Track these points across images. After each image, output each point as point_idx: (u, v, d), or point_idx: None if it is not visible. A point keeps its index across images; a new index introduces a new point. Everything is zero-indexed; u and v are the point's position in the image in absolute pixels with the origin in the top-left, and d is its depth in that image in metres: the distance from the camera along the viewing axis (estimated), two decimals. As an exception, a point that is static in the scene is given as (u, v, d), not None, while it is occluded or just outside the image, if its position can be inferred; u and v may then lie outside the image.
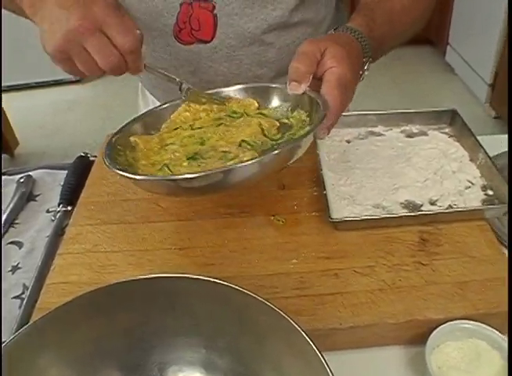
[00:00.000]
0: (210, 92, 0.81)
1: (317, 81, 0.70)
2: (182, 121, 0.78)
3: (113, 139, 0.72)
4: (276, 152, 0.60)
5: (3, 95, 2.84)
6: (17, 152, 2.86)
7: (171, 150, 0.72)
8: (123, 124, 0.76)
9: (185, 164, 0.68)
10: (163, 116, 0.79)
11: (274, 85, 0.79)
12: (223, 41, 0.90)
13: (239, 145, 0.69)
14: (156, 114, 0.80)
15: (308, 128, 0.68)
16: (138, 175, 0.64)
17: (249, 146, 0.69)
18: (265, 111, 0.77)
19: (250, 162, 0.59)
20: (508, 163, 0.86)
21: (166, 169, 0.67)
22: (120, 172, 0.63)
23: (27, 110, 3.16)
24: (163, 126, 0.78)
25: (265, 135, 0.71)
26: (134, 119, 0.78)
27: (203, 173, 0.58)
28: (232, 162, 0.64)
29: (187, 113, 0.78)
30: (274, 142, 0.70)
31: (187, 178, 0.59)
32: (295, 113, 0.75)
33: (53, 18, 0.65)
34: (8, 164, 2.74)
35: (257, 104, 0.78)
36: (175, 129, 0.77)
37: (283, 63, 0.96)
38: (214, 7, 0.87)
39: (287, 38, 0.94)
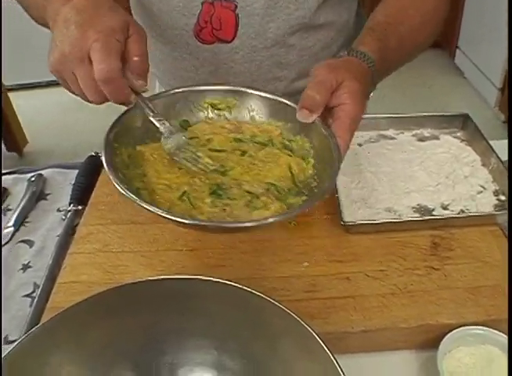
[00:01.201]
0: (216, 88, 0.77)
1: (326, 110, 0.69)
2: (200, 130, 0.75)
3: (110, 136, 0.66)
4: (298, 211, 0.63)
5: (13, 94, 2.85)
6: (26, 150, 2.87)
7: (187, 169, 0.68)
8: (119, 115, 0.69)
9: (207, 200, 0.65)
10: (164, 106, 0.74)
11: (284, 101, 0.75)
12: (244, 42, 0.90)
13: (268, 189, 0.67)
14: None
15: (326, 185, 0.65)
16: (162, 209, 0.58)
17: (276, 193, 0.67)
18: (289, 143, 0.74)
19: (273, 219, 0.60)
20: (508, 163, 0.85)
21: (187, 201, 0.65)
22: (141, 203, 0.58)
23: (37, 109, 3.17)
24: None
25: (294, 183, 0.69)
26: (130, 108, 0.70)
27: (231, 225, 0.62)
28: (257, 212, 0.64)
29: (206, 126, 0.76)
30: (298, 190, 0.68)
31: (215, 227, 0.62)
32: (298, 138, 0.73)
33: (58, 35, 0.63)
34: (17, 163, 2.74)
35: (279, 131, 0.75)
36: (191, 139, 0.73)
37: (303, 65, 0.95)
38: (236, 6, 0.87)
39: (309, 41, 0.93)
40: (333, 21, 0.94)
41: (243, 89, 0.77)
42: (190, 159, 0.68)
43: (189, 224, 0.58)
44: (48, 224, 0.88)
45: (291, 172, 0.69)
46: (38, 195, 0.94)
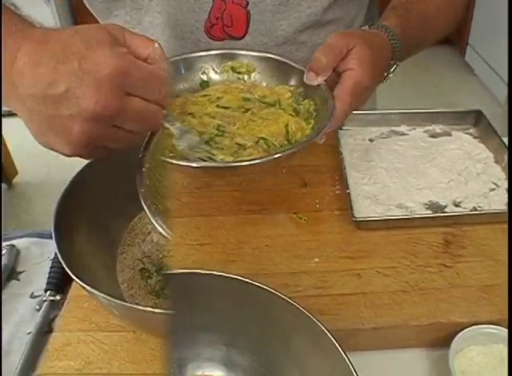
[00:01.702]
0: (217, 52, 0.80)
1: (335, 75, 0.70)
2: (215, 89, 0.78)
3: None
4: (274, 157, 0.62)
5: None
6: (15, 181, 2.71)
7: (188, 123, 0.71)
8: None
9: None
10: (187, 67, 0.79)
11: (296, 66, 0.77)
12: (255, 39, 0.89)
13: (257, 142, 0.69)
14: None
15: (308, 136, 0.67)
16: None
17: (265, 146, 0.68)
18: (297, 106, 0.75)
19: (245, 163, 0.62)
20: (508, 162, 0.84)
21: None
22: None
23: (26, 138, 3.05)
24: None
25: (287, 140, 0.70)
26: None
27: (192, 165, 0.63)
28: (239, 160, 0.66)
29: (222, 86, 0.78)
30: (291, 147, 0.68)
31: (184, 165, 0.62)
32: (305, 102, 0.75)
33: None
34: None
35: (290, 94, 0.77)
36: (203, 96, 0.76)
37: None
38: (247, 3, 0.86)
39: (320, 37, 0.93)
40: (341, 17, 0.94)
41: (262, 54, 0.80)
42: (205, 158, 0.66)
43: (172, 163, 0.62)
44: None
45: (287, 130, 0.71)
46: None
